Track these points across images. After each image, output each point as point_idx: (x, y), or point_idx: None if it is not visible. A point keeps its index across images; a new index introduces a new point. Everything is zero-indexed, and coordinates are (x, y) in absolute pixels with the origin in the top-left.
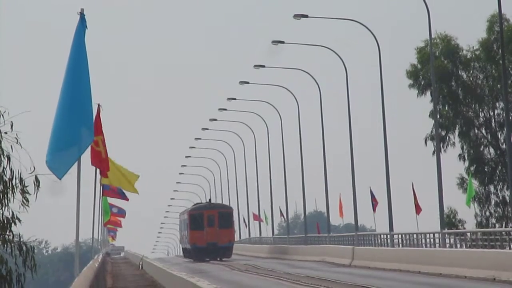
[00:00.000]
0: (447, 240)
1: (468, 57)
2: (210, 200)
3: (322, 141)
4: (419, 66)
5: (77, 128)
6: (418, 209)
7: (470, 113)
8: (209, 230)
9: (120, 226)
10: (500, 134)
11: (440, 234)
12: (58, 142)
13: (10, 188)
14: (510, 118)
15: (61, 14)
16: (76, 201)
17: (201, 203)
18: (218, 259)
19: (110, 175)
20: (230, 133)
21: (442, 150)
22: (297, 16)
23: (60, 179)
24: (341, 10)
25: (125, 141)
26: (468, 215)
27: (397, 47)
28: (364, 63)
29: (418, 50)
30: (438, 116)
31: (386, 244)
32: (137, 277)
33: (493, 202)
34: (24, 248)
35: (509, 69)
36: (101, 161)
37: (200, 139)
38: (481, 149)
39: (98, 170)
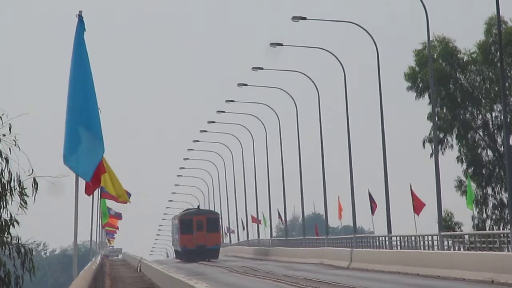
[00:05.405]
0: (445, 243)
1: (465, 60)
2: (199, 206)
3: (320, 143)
4: (417, 68)
5: (84, 130)
6: (419, 207)
7: (468, 115)
8: (198, 234)
9: (117, 228)
10: (498, 136)
11: (438, 237)
12: (70, 146)
13: (9, 191)
14: (508, 120)
15: (61, 15)
16: (75, 203)
17: (191, 209)
18: (207, 260)
19: (106, 181)
20: (228, 136)
21: (440, 152)
22: (296, 18)
23: (88, 181)
24: (339, 13)
25: (124, 143)
26: (465, 217)
27: (395, 49)
28: (362, 66)
29: (416, 53)
30: (436, 119)
31: (384, 246)
32: (136, 279)
33: (490, 205)
34: (22, 250)
35: (507, 71)
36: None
37: (198, 141)
38: (479, 151)
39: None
